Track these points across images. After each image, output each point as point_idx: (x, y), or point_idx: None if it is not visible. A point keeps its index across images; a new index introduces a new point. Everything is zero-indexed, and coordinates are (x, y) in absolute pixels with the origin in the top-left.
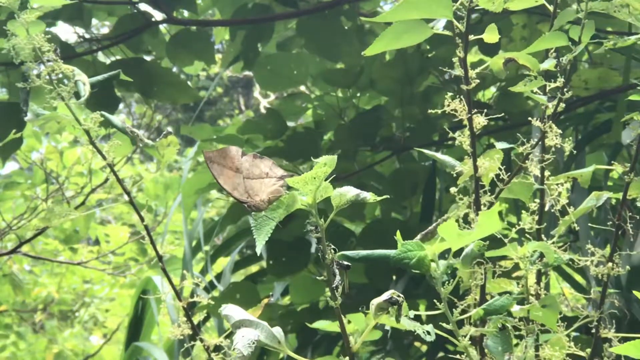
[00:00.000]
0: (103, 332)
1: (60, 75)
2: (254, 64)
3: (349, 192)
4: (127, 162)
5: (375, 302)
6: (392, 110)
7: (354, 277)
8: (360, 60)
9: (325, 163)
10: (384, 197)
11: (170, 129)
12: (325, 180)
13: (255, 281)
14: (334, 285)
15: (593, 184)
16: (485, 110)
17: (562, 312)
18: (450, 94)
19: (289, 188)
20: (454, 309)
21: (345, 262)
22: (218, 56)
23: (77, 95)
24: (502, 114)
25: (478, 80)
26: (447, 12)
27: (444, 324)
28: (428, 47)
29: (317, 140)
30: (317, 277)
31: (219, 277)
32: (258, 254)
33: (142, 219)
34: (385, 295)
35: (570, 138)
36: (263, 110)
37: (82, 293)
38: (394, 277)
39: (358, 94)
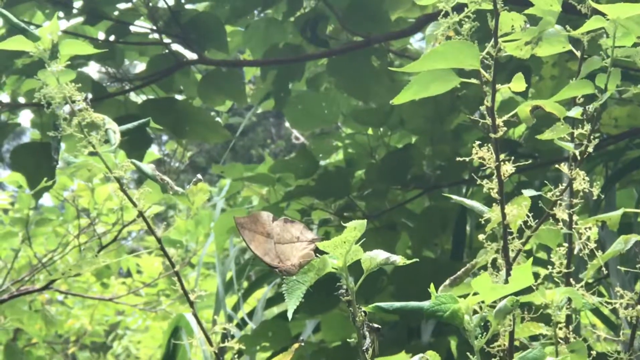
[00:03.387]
0: None
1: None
2: (285, 103)
3: (379, 255)
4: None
5: None
6: (423, 148)
7: (386, 315)
8: (390, 98)
9: (355, 227)
10: (414, 260)
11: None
12: (356, 243)
13: (287, 318)
14: (364, 348)
15: (624, 219)
16: (513, 158)
17: (592, 348)
18: (477, 142)
19: (320, 252)
20: None
21: (376, 325)
22: (250, 86)
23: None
24: (532, 155)
25: (505, 128)
26: (475, 62)
27: None
28: (459, 86)
29: (348, 179)
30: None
31: (252, 312)
32: (289, 319)
33: (172, 265)
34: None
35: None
36: (294, 141)
37: (115, 325)
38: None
39: (389, 133)
